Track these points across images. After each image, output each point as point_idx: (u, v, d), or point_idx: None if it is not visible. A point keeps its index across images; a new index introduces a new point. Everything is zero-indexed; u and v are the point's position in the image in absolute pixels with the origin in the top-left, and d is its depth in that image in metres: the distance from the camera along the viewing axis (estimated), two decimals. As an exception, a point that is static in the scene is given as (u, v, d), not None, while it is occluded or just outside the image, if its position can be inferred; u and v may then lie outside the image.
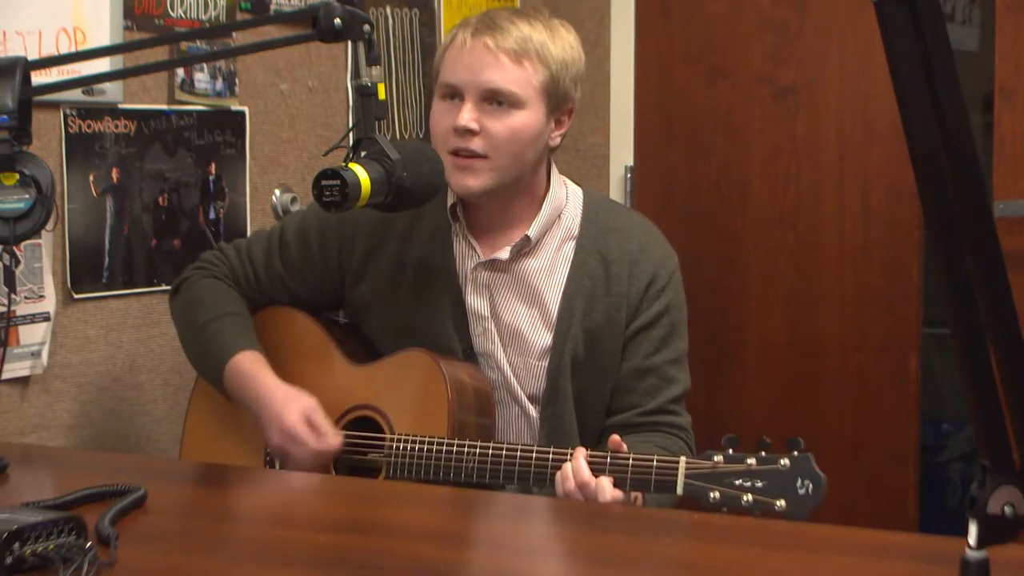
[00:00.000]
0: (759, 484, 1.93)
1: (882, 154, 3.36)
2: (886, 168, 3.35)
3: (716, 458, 1.96)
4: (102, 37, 2.43)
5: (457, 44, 2.23)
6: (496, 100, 2.20)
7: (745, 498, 1.93)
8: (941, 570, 1.30)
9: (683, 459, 1.98)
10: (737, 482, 1.94)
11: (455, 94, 2.22)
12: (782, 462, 1.93)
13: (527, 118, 2.22)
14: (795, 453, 1.93)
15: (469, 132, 2.19)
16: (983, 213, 1.13)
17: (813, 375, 3.45)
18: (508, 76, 2.20)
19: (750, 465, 1.94)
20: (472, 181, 2.21)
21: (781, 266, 3.49)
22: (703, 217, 3.57)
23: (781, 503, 1.92)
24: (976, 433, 1.18)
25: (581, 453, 2.04)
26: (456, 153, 2.20)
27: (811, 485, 1.92)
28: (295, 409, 2.19)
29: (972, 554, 1.17)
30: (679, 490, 1.98)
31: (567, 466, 2.04)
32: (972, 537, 1.17)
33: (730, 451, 1.95)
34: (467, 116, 2.19)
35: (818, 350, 3.45)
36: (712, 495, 1.95)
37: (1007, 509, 1.17)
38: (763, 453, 1.94)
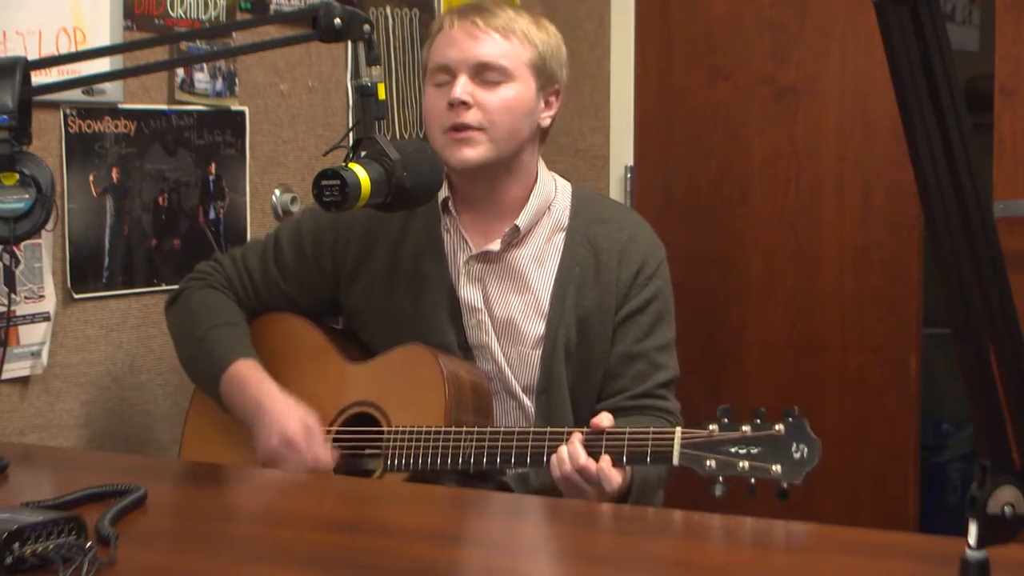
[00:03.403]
0: (754, 451, 1.93)
1: (882, 154, 3.35)
2: (886, 168, 3.35)
3: (711, 427, 1.97)
4: (102, 37, 2.43)
5: (445, 29, 2.29)
6: (488, 74, 2.24)
7: (741, 465, 1.93)
8: (941, 570, 1.30)
9: (678, 429, 2.00)
10: (732, 449, 1.95)
11: (447, 75, 2.26)
12: (776, 428, 1.94)
13: (519, 90, 2.26)
14: (789, 419, 1.94)
15: (464, 105, 2.22)
16: (983, 213, 1.13)
17: (813, 375, 3.44)
18: (498, 50, 2.25)
19: (745, 432, 1.94)
20: (470, 152, 2.24)
21: (781, 266, 3.48)
22: (703, 217, 3.56)
23: (777, 468, 1.92)
24: (976, 433, 1.18)
25: (577, 437, 2.05)
26: (453, 129, 2.23)
27: (806, 449, 1.92)
28: (296, 417, 2.20)
29: (972, 554, 1.18)
30: (675, 460, 1.98)
31: (563, 449, 2.05)
32: (972, 537, 1.18)
33: (725, 420, 1.96)
34: (460, 89, 2.23)
35: (818, 350, 3.44)
36: (708, 463, 1.95)
37: (1007, 509, 1.17)
38: (758, 421, 1.94)
